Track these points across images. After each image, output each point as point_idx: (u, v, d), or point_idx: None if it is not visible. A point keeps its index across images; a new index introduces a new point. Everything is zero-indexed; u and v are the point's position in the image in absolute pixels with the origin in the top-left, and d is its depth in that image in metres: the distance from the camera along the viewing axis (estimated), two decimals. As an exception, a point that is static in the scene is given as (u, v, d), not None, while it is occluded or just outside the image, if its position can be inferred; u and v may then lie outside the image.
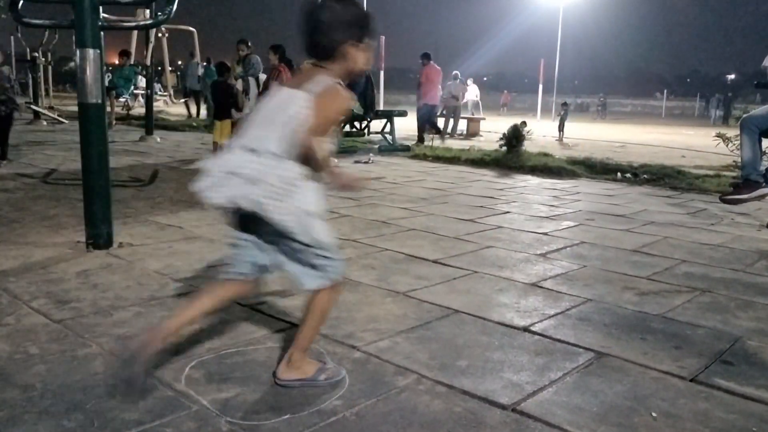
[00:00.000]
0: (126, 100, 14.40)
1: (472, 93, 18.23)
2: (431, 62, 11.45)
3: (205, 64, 16.73)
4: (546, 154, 8.68)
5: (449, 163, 8.37)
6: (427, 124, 11.46)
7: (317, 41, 1.75)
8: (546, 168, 7.53)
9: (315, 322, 1.84)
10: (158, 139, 9.86)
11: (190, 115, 15.21)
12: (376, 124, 8.36)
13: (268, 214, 1.66)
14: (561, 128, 15.24)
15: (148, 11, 9.94)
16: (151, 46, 11.12)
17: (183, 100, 15.82)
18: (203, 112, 15.43)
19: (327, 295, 1.81)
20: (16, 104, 6.76)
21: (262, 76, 9.28)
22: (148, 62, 11.08)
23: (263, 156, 1.67)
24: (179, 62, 17.52)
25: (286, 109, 1.69)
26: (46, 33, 13.10)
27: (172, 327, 1.76)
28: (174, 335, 1.80)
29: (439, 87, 11.79)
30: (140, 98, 15.87)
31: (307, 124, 1.66)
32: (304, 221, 1.70)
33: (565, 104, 16.63)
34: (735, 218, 4.90)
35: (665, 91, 50.99)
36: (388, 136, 8.34)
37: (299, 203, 1.68)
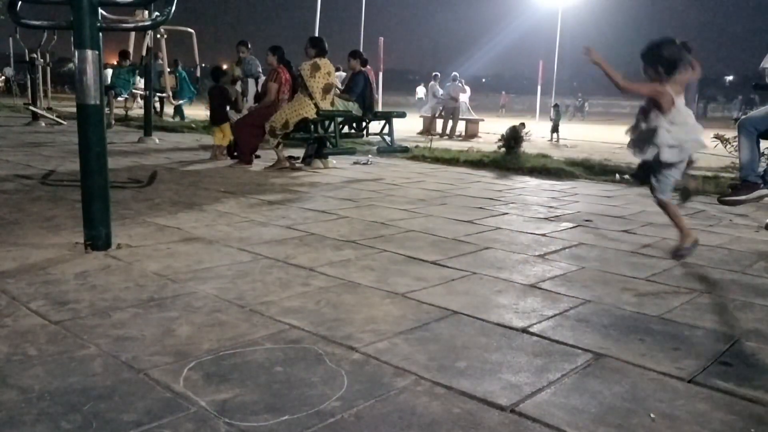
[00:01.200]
0: (125, 100, 14.39)
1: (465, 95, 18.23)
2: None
3: (169, 70, 16.68)
4: (544, 156, 8.69)
5: (448, 164, 8.38)
6: None
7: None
8: (544, 169, 7.54)
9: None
10: (157, 140, 9.86)
11: (156, 112, 15.26)
12: (375, 126, 8.35)
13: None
14: (554, 130, 15.21)
15: (146, 12, 9.96)
16: (146, 43, 11.11)
17: (181, 102, 15.81)
18: (167, 110, 15.52)
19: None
20: None
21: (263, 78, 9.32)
22: (143, 53, 11.09)
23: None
24: (179, 64, 17.47)
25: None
26: (45, 34, 13.08)
27: (682, 226, 3.53)
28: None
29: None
30: (139, 99, 15.86)
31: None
32: None
33: (556, 106, 16.58)
34: (733, 219, 4.90)
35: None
36: (387, 138, 8.32)
37: None
